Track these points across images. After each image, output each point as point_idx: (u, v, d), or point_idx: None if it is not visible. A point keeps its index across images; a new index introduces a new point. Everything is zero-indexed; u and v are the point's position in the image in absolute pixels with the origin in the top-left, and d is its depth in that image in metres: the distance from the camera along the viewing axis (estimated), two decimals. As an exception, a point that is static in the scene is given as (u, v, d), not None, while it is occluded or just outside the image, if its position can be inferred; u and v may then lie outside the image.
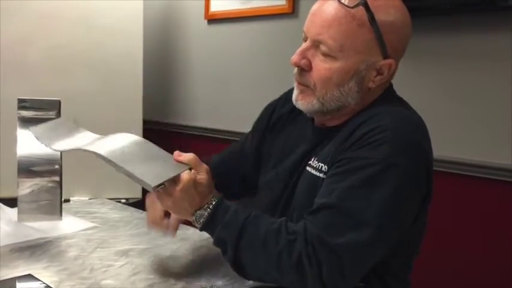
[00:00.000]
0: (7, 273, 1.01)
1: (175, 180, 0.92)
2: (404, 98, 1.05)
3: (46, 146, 1.10)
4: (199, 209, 0.94)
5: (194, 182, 0.94)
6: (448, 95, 1.87)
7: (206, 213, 0.94)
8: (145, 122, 2.58)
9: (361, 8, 0.91)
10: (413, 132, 0.93)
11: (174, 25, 2.87)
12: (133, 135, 1.01)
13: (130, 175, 0.91)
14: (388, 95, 1.03)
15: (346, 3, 0.92)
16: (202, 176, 0.95)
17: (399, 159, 0.89)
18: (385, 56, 0.95)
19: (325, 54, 0.95)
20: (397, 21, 0.95)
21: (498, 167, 1.73)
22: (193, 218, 0.95)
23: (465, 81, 1.82)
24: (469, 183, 1.81)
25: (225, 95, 2.58)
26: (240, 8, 2.49)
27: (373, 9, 0.92)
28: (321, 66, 0.96)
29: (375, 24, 0.92)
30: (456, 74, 1.84)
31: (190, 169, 0.95)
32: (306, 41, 0.98)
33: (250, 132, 1.27)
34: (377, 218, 0.87)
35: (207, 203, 0.95)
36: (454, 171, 1.82)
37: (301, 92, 1.00)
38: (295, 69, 1.00)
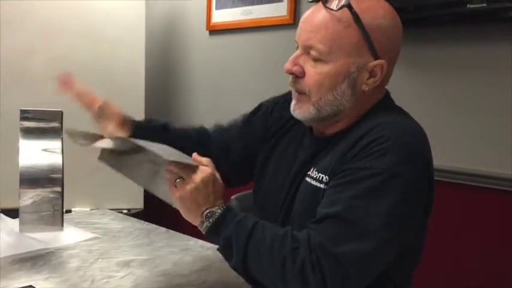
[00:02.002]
0: (8, 284, 1.01)
1: (196, 170, 0.95)
2: (405, 108, 1.06)
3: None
4: (212, 207, 0.95)
5: (214, 178, 0.96)
6: (447, 104, 1.87)
7: (217, 213, 0.95)
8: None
9: (345, 10, 0.93)
10: (415, 142, 0.93)
11: (176, 36, 2.89)
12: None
13: (146, 153, 0.97)
14: (387, 104, 1.03)
15: (331, 7, 0.94)
16: (219, 178, 0.98)
17: (403, 168, 0.89)
18: (376, 57, 0.96)
19: (315, 59, 0.96)
20: (383, 22, 0.96)
21: (498, 177, 1.73)
22: (203, 215, 0.95)
23: (465, 91, 1.82)
24: (469, 193, 1.81)
25: (226, 106, 2.59)
26: (241, 19, 2.50)
27: (358, 11, 0.94)
28: (313, 71, 0.97)
29: (361, 24, 0.93)
30: (456, 84, 1.84)
31: None
32: (298, 48, 1.00)
33: (246, 116, 1.27)
34: (381, 227, 0.87)
35: (219, 205, 0.96)
36: (454, 181, 1.81)
37: (298, 100, 1.01)
38: (290, 77, 1.01)
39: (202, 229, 0.96)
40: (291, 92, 1.05)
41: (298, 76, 0.99)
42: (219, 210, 0.95)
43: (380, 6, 0.97)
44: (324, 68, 0.96)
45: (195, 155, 0.99)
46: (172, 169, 0.95)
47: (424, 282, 1.29)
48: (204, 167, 0.97)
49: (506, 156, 1.71)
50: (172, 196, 0.97)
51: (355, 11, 0.93)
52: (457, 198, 1.81)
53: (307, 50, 0.97)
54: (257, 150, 1.21)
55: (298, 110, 1.01)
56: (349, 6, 0.93)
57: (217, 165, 1.02)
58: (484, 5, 1.62)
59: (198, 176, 0.95)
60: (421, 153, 0.93)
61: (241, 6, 2.51)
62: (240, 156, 1.23)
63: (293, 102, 1.03)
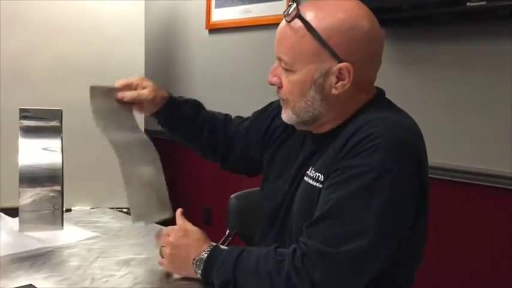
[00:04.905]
0: (7, 283, 1.01)
1: (167, 232, 1.06)
2: (403, 106, 1.06)
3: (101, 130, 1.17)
4: (198, 255, 1.00)
5: (186, 230, 1.04)
6: (447, 102, 1.87)
7: (204, 258, 0.99)
8: (146, 131, 2.58)
9: (297, 20, 0.96)
10: (405, 137, 0.93)
11: (175, 35, 2.89)
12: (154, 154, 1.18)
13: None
14: (378, 101, 1.04)
15: (286, 18, 0.98)
16: (194, 227, 1.05)
17: (393, 164, 0.90)
18: (339, 61, 0.96)
19: (285, 69, 1.01)
20: (340, 24, 0.96)
21: (498, 175, 1.73)
22: (194, 266, 0.99)
23: (464, 89, 1.82)
24: (469, 191, 1.81)
25: (226, 103, 2.58)
26: (240, 17, 2.50)
27: (309, 19, 0.96)
28: (285, 80, 1.02)
29: (314, 32, 0.95)
30: (456, 82, 1.84)
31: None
32: None
33: (252, 118, 1.32)
34: (375, 225, 0.87)
35: (205, 249, 1.00)
36: (454, 179, 1.82)
37: (283, 106, 1.07)
38: None
39: (200, 275, 1.00)
40: None
41: (278, 86, 1.04)
42: (205, 255, 0.99)
43: (340, 10, 0.97)
44: (293, 77, 1.00)
45: (178, 212, 1.11)
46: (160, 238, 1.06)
47: (425, 281, 1.29)
48: (174, 226, 1.06)
49: (506, 154, 1.71)
50: (163, 266, 1.06)
51: (306, 21, 0.96)
52: (456, 196, 1.81)
53: (279, 60, 1.02)
54: (258, 147, 1.24)
55: (283, 115, 1.07)
56: (299, 16, 0.96)
57: (231, 154, 1.26)
58: (484, 3, 1.62)
59: (171, 237, 1.04)
60: (411, 148, 0.94)
61: (241, 5, 2.52)
62: (244, 150, 1.29)
63: (282, 109, 1.08)
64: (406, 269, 1.04)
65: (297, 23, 0.96)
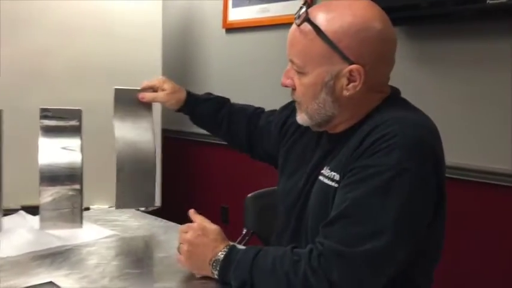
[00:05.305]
0: (29, 280, 1.02)
1: (185, 229, 1.06)
2: (422, 104, 1.05)
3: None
4: (215, 255, 1.00)
5: (204, 228, 1.04)
6: (466, 101, 1.85)
7: (221, 258, 0.99)
8: (164, 131, 2.60)
9: (306, 24, 0.97)
10: (422, 135, 0.93)
11: (192, 35, 2.90)
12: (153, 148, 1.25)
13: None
14: (393, 100, 1.03)
15: (296, 22, 0.99)
16: (212, 225, 1.05)
17: (410, 163, 0.89)
18: (350, 62, 0.96)
19: (298, 72, 1.01)
20: (349, 26, 0.95)
21: (498, 172, 1.73)
22: (210, 267, 1.00)
23: (484, 87, 1.80)
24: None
25: (243, 103, 2.59)
26: (258, 17, 2.50)
27: (318, 22, 0.96)
28: (298, 83, 1.03)
29: (323, 35, 0.96)
30: (475, 81, 1.82)
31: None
32: None
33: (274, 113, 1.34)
34: (392, 224, 0.87)
35: (221, 250, 1.00)
36: (472, 179, 1.80)
37: (297, 108, 1.08)
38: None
39: (217, 276, 1.00)
40: None
41: (292, 88, 1.05)
42: (222, 256, 0.99)
43: (349, 12, 0.96)
44: (304, 80, 1.00)
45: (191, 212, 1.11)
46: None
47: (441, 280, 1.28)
48: (192, 223, 1.06)
49: (506, 152, 1.70)
50: (181, 263, 1.06)
51: (315, 24, 0.96)
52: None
53: (291, 63, 1.03)
54: (276, 142, 1.26)
55: (298, 118, 1.08)
56: (308, 20, 0.96)
57: (258, 146, 1.33)
58: (504, 0, 1.60)
59: (189, 234, 1.04)
60: (428, 147, 0.93)
61: (258, 4, 2.51)
62: (267, 143, 1.32)
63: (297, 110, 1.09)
64: (425, 268, 1.04)
65: (307, 26, 0.97)
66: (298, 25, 0.97)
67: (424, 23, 1.90)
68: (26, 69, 2.25)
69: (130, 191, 1.19)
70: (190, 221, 1.09)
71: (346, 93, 0.98)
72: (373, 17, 0.97)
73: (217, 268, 0.99)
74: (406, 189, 0.88)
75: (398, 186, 0.88)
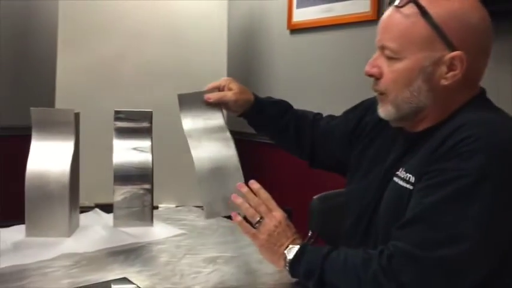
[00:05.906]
0: (104, 276, 1.07)
1: (270, 217, 1.03)
2: (505, 107, 0.99)
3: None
4: (292, 242, 1.00)
5: (290, 226, 1.03)
6: None
7: (296, 248, 0.99)
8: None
9: (411, 5, 0.93)
10: (507, 140, 0.88)
11: (257, 37, 2.92)
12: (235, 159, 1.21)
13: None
14: (479, 101, 0.98)
15: (397, 4, 0.95)
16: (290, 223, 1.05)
17: (493, 169, 0.84)
18: (453, 49, 0.92)
19: (389, 58, 0.97)
20: (454, 10, 0.92)
21: None
22: (285, 251, 0.99)
23: None
24: None
25: (309, 105, 2.56)
26: (322, 16, 2.48)
27: (426, 4, 0.92)
28: (388, 70, 0.98)
29: (429, 17, 0.92)
30: None
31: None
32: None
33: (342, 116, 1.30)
34: (472, 232, 0.83)
35: (297, 243, 1.00)
36: None
37: (380, 100, 1.03)
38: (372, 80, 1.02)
39: (288, 262, 0.99)
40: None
41: (377, 78, 1.00)
42: (297, 246, 0.99)
43: None
44: (398, 65, 0.96)
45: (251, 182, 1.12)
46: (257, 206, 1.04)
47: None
48: (277, 211, 1.05)
49: None
50: (252, 237, 1.04)
51: (421, 5, 0.92)
52: None
53: (382, 50, 0.98)
54: (345, 146, 1.22)
55: (380, 109, 1.03)
56: (414, 1, 0.92)
57: (320, 152, 1.28)
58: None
59: (279, 216, 1.03)
60: None
61: (322, 4, 2.49)
62: (332, 148, 1.27)
63: (378, 103, 1.04)
64: (508, 282, 0.97)
65: (409, 8, 0.93)
66: (401, 6, 0.94)
67: (504, 19, 1.80)
68: (101, 74, 2.36)
69: (218, 199, 1.17)
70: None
71: (444, 82, 0.94)
72: (477, 7, 0.94)
73: (290, 255, 0.98)
74: (488, 196, 0.83)
75: (478, 193, 0.84)
